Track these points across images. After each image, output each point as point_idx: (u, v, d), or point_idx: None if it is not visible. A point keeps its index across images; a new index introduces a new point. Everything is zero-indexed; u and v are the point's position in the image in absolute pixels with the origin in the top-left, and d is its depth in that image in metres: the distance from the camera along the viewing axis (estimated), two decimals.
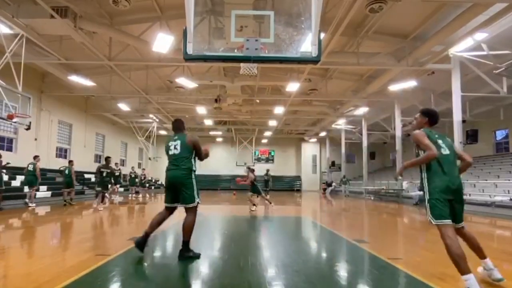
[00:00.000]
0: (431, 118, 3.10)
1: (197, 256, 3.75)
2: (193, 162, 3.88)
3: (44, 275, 3.04)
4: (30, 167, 10.55)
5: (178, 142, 3.89)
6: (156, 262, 3.80)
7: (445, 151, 2.87)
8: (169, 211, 3.92)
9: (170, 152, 3.92)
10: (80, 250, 4.32)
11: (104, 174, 9.74)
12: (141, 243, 3.80)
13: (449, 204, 2.76)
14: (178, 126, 4.07)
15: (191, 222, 3.77)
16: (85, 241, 5.09)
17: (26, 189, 10.81)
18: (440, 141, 2.91)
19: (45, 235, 5.80)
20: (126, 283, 2.98)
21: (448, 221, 2.74)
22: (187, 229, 3.76)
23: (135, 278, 3.13)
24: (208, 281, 3.05)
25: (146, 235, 3.82)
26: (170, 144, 3.94)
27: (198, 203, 3.80)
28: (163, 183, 4.21)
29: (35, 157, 10.75)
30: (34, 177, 10.46)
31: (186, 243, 3.75)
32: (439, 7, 9.26)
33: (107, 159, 10.20)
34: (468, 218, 9.40)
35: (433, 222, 2.79)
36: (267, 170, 16.24)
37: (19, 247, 4.60)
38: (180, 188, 3.76)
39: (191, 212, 3.79)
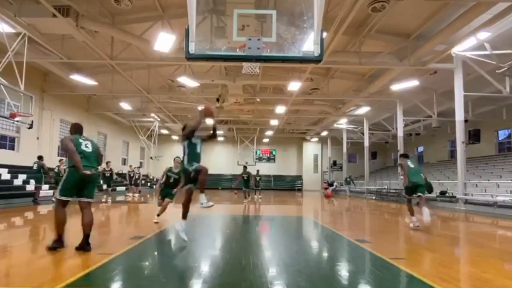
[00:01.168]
0: (405, 156, 6.78)
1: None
2: None
3: (46, 274, 3.06)
4: (56, 169, 11.88)
5: (89, 142, 4.16)
6: (157, 261, 3.81)
7: (412, 165, 6.50)
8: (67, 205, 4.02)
9: (87, 150, 4.07)
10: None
11: (171, 180, 6.73)
12: (59, 244, 3.94)
13: (415, 188, 6.39)
14: (80, 129, 4.33)
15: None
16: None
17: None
18: (409, 162, 6.52)
19: (47, 233, 5.82)
20: (128, 282, 2.98)
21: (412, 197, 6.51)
22: (92, 223, 4.03)
23: (137, 277, 3.13)
24: (209, 280, 3.05)
25: (60, 237, 3.97)
26: (81, 142, 4.07)
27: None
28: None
29: (60, 160, 11.99)
30: (60, 177, 11.66)
31: (88, 236, 3.95)
32: (442, 6, 9.22)
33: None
34: (470, 218, 9.37)
35: (407, 197, 6.63)
36: (258, 171, 15.58)
37: (21, 245, 4.61)
38: (88, 185, 4.02)
39: (90, 207, 4.09)
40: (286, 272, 3.31)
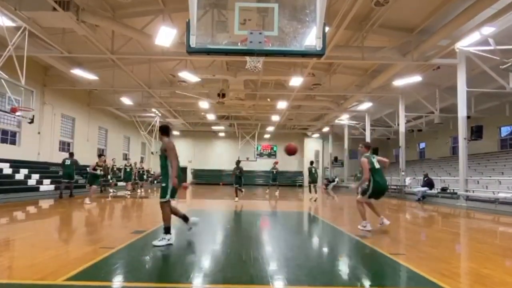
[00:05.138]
0: (368, 147, 5.85)
1: None
2: None
3: (48, 267, 3.07)
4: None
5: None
6: (158, 255, 3.82)
7: (376, 166, 5.56)
8: None
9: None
10: (84, 243, 4.35)
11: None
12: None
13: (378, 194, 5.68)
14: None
15: None
16: (90, 233, 5.13)
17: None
18: (373, 160, 5.58)
19: (49, 226, 5.85)
20: (129, 275, 2.99)
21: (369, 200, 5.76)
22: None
23: (138, 271, 3.14)
24: (210, 274, 3.06)
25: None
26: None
27: None
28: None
29: (101, 157, 13.93)
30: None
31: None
32: (446, 0, 9.10)
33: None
34: (471, 214, 9.36)
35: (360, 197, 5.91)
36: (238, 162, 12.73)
37: (23, 239, 4.64)
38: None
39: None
40: (287, 266, 3.31)
